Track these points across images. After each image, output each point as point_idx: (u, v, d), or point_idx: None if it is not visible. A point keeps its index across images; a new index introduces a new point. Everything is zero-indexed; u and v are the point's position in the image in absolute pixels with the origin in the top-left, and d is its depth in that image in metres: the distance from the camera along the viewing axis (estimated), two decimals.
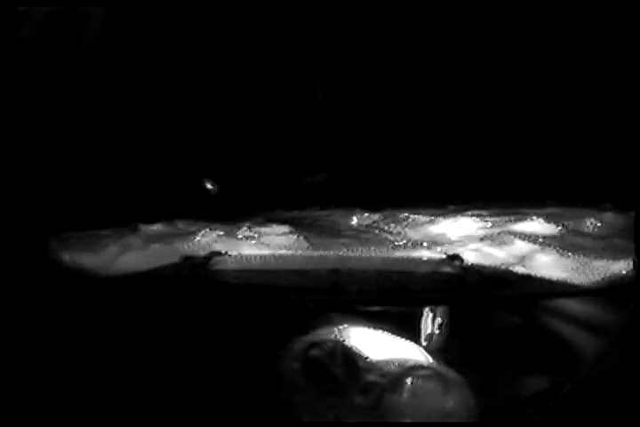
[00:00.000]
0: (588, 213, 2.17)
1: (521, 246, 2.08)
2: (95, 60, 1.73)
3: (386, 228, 2.17)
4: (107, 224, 1.76)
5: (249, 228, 1.92)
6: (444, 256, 1.61)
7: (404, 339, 1.41)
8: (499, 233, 2.15)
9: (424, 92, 2.21)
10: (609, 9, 1.88)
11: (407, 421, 1.30)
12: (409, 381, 1.33)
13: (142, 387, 1.36)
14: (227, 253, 1.65)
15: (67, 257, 1.56)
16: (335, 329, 1.41)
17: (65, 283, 1.43)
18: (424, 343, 1.41)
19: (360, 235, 2.08)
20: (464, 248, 2.01)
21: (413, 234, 2.14)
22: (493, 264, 1.59)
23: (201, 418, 1.34)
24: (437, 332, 1.42)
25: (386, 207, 2.20)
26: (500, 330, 1.43)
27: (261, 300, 1.45)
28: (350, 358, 1.35)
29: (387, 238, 2.10)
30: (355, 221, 2.19)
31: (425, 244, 2.04)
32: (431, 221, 2.22)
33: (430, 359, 1.37)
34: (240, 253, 1.65)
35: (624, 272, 1.42)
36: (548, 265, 1.90)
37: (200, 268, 1.56)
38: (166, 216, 1.88)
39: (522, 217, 2.21)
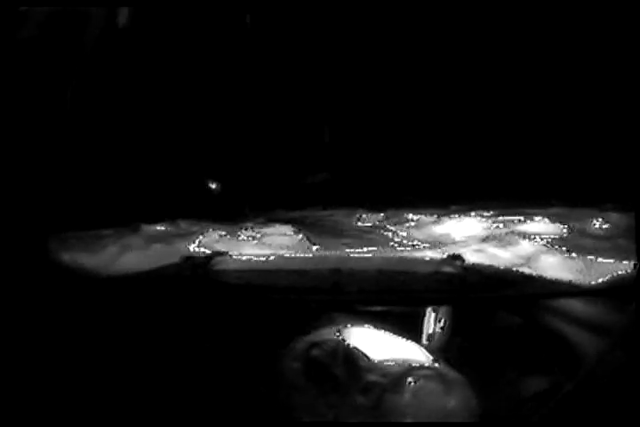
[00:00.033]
0: (593, 213, 2.16)
1: (526, 247, 2.07)
2: (96, 59, 1.73)
3: (389, 228, 2.17)
4: (108, 224, 1.76)
5: (251, 228, 1.92)
6: (446, 256, 1.60)
7: (405, 339, 1.41)
8: (504, 234, 2.14)
9: (428, 91, 2.21)
10: (609, 9, 1.87)
11: (408, 421, 1.30)
12: (410, 381, 1.32)
13: (143, 387, 1.36)
14: (228, 253, 1.65)
15: (67, 257, 1.56)
16: (336, 329, 1.41)
17: (65, 283, 1.44)
18: (425, 343, 1.41)
19: (363, 235, 2.07)
20: (468, 249, 2.00)
21: (417, 234, 2.13)
22: (495, 264, 1.58)
23: (201, 418, 1.34)
24: (438, 332, 1.41)
25: (389, 207, 2.20)
26: (502, 330, 1.43)
27: (262, 300, 1.45)
28: (351, 357, 1.35)
29: (390, 239, 2.09)
30: (358, 221, 2.18)
31: (428, 244, 2.04)
32: (435, 222, 2.21)
33: (431, 359, 1.36)
34: (241, 254, 1.65)
35: (625, 272, 1.42)
36: (554, 266, 1.88)
37: (201, 268, 1.56)
38: (169, 216, 1.88)
39: (527, 217, 2.20)
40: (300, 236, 1.87)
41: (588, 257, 1.77)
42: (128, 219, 1.80)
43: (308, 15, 2.09)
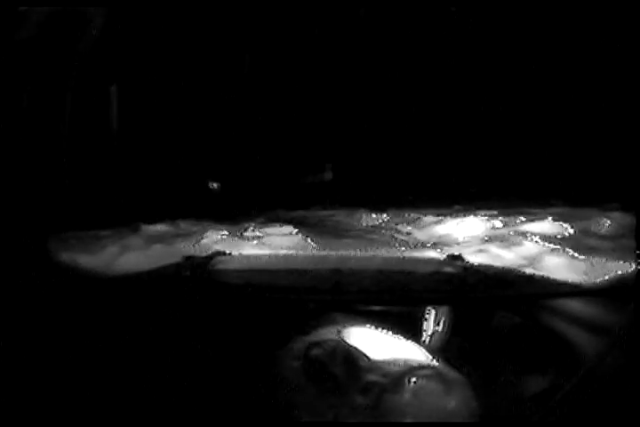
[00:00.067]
0: (595, 212, 2.16)
1: (530, 247, 2.06)
2: (95, 59, 1.73)
3: (392, 228, 2.17)
4: (109, 224, 1.77)
5: (252, 228, 1.92)
6: (445, 256, 1.60)
7: (404, 339, 1.40)
8: (507, 234, 2.13)
9: (431, 91, 2.21)
10: (609, 9, 1.87)
11: (408, 421, 1.29)
12: (410, 381, 1.32)
13: (143, 387, 1.36)
14: (228, 253, 1.65)
15: (67, 257, 1.56)
16: (336, 329, 1.40)
17: (65, 283, 1.44)
18: (425, 343, 1.40)
19: (365, 235, 2.07)
20: (471, 249, 2.00)
21: (420, 234, 2.13)
22: (495, 264, 1.58)
23: (201, 418, 1.34)
24: (438, 332, 1.41)
25: (391, 207, 2.20)
26: (501, 330, 1.42)
27: (262, 299, 1.44)
28: (351, 357, 1.34)
29: (392, 239, 2.09)
30: (360, 221, 2.18)
31: (431, 244, 2.04)
32: (438, 222, 2.21)
33: (431, 359, 1.36)
34: (241, 253, 1.65)
35: (626, 272, 1.41)
36: (558, 267, 1.88)
37: (201, 268, 1.56)
38: (169, 216, 1.88)
39: (529, 217, 2.20)
40: (301, 236, 1.87)
41: (592, 257, 1.77)
42: (128, 219, 1.81)
43: (308, 15, 2.09)
